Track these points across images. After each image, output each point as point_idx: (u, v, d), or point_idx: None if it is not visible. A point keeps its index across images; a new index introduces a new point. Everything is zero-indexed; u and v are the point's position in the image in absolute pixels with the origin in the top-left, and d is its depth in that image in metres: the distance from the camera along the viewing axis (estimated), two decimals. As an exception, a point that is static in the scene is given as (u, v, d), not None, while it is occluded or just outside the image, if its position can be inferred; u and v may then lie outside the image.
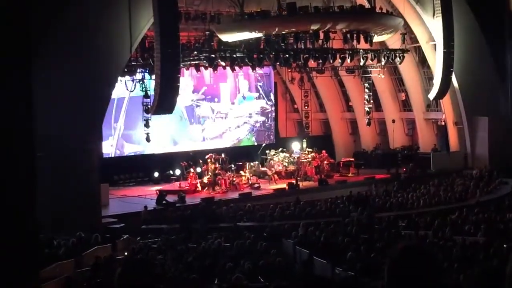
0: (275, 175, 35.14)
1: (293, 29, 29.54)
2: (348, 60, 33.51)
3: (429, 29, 35.60)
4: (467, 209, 24.38)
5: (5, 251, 10.03)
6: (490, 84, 36.70)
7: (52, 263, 16.66)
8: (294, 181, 33.68)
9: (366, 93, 39.33)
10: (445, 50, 33.65)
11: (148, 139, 31.60)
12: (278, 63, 34.10)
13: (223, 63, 32.31)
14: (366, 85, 39.16)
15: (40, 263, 14.86)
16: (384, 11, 32.69)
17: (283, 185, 33.51)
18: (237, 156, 37.15)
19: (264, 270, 16.31)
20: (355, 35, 30.58)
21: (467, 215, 23.12)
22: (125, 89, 31.89)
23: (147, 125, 30.61)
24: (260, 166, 36.77)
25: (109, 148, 34.95)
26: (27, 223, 11.26)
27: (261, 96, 41.30)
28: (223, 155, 34.58)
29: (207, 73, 36.79)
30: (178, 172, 34.95)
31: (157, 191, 31.04)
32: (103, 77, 26.28)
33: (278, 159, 36.35)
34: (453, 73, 34.60)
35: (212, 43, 31.13)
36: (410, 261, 4.12)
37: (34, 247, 11.24)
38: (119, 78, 29.37)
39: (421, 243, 17.81)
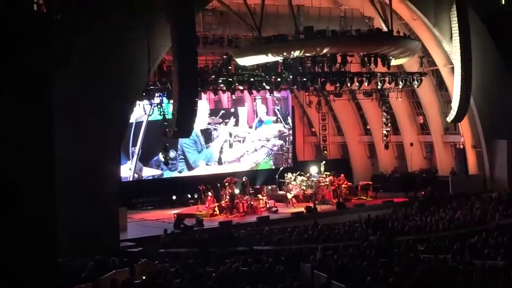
0: (293, 199, 35.13)
1: (311, 53, 29.60)
2: (366, 84, 33.53)
3: (447, 52, 35.58)
4: (486, 232, 24.17)
5: (25, 275, 10.07)
6: (508, 106, 36.50)
7: (71, 287, 16.64)
8: (312, 205, 33.63)
9: (384, 116, 39.34)
10: (463, 73, 33.60)
11: (166, 163, 31.69)
12: (295, 86, 34.16)
13: (240, 87, 32.42)
14: (384, 108, 39.16)
15: (59, 286, 14.87)
16: (402, 34, 32.72)
17: (301, 208, 33.46)
18: (255, 179, 37.20)
19: (282, 294, 16.21)
20: (372, 58, 30.58)
21: (486, 239, 22.92)
22: (143, 112, 32.03)
23: (165, 148, 30.70)
24: (278, 189, 36.80)
25: (127, 171, 35.04)
26: (46, 247, 11.32)
27: (278, 119, 41.35)
28: (244, 179, 34.61)
29: (225, 97, 36.90)
30: (196, 195, 35.01)
31: (175, 215, 31.08)
32: (121, 101, 26.40)
33: (296, 183, 36.34)
34: (471, 96, 34.51)
35: (230, 67, 31.25)
36: (429, 285, 4.10)
37: (53, 271, 11.28)
38: (137, 102, 29.50)
39: (441, 267, 17.68)
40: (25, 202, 10.78)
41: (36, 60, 10.59)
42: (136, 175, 35.82)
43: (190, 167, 37.79)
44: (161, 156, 32.20)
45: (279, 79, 31.94)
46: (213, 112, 38.37)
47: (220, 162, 38.85)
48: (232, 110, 39.22)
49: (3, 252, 10.75)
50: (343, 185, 37.00)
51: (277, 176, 38.03)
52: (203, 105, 36.91)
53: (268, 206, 33.84)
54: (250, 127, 40.14)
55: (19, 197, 10.91)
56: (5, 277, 10.69)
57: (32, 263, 10.50)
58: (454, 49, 34.16)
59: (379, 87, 35.20)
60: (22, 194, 10.79)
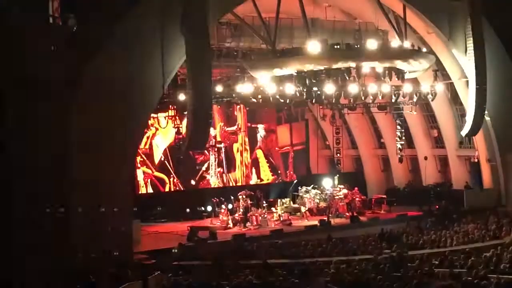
0: (307, 212, 35.07)
1: (325, 66, 29.59)
2: (380, 97, 33.47)
3: (461, 65, 35.48)
4: (501, 247, 24.04)
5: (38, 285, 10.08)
6: (524, 120, 36.39)
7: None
8: (325, 218, 33.54)
9: (398, 129, 39.26)
10: (477, 86, 33.41)
11: (179, 176, 31.76)
12: (309, 99, 34.14)
13: (254, 100, 32.45)
14: (398, 121, 39.09)
15: None
16: (416, 48, 32.67)
17: (314, 222, 33.39)
18: (269, 192, 37.21)
19: (295, 307, 16.17)
20: (387, 71, 30.53)
21: (501, 253, 22.79)
22: (157, 125, 32.14)
23: (179, 161, 30.76)
24: (291, 202, 36.73)
25: (141, 184, 35.13)
26: (60, 259, 11.34)
27: (292, 132, 41.42)
28: (257, 192, 34.60)
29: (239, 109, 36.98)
30: (209, 208, 35.03)
31: (189, 228, 31.07)
32: (136, 114, 26.46)
33: (309, 196, 36.25)
34: (486, 110, 34.37)
35: (244, 80, 31.29)
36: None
37: (67, 283, 11.31)
38: (152, 114, 29.56)
39: (455, 282, 17.59)
40: (40, 213, 10.83)
41: (50, 71, 10.65)
42: (150, 188, 35.90)
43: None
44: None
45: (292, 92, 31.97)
46: (227, 126, 38.46)
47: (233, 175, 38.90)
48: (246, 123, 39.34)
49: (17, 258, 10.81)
50: (357, 199, 36.92)
51: (290, 189, 38.01)
52: (219, 118, 37.10)
53: (281, 219, 33.79)
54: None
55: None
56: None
57: (45, 275, 10.52)
58: (468, 63, 34.04)
59: (393, 100, 35.12)
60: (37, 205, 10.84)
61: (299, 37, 32.09)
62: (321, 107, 40.28)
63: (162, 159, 35.81)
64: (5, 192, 17.82)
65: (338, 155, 43.83)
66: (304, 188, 36.92)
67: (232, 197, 34.03)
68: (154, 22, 26.06)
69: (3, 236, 17.59)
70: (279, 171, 41.55)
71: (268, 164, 41.00)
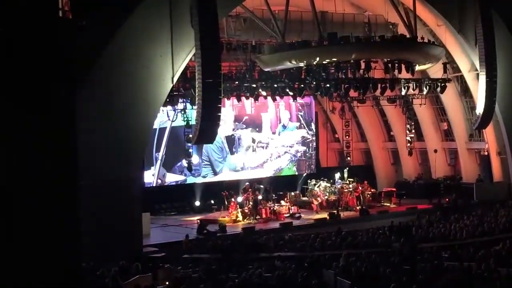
0: (316, 205, 35.04)
1: (334, 59, 29.54)
2: (389, 90, 33.39)
3: (471, 58, 35.37)
4: (511, 240, 23.97)
5: (48, 280, 10.09)
6: (534, 113, 36.25)
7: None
8: (335, 211, 33.52)
9: (408, 122, 39.17)
10: (487, 79, 33.32)
11: (189, 169, 31.76)
12: (319, 92, 34.10)
13: (264, 93, 32.43)
14: (408, 114, 39.01)
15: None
16: (426, 40, 32.58)
17: (324, 215, 33.40)
18: (278, 185, 37.16)
19: (305, 300, 16.16)
20: (396, 64, 30.46)
21: (511, 246, 22.73)
22: (166, 118, 32.13)
23: (188, 154, 30.76)
24: (301, 195, 36.72)
25: (150, 177, 35.15)
26: (70, 251, 11.37)
27: (302, 125, 41.27)
28: (267, 186, 34.53)
29: (248, 103, 36.92)
30: (216, 201, 35.10)
31: (198, 221, 31.12)
32: (145, 107, 26.48)
33: (319, 189, 36.23)
34: (496, 102, 34.26)
35: (253, 73, 31.26)
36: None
37: (77, 276, 11.33)
38: (161, 108, 29.57)
39: (465, 275, 17.56)
40: (49, 207, 10.83)
41: (61, 66, 10.64)
42: (159, 181, 35.90)
43: (215, 173, 37.83)
44: (184, 162, 32.32)
45: (302, 85, 31.92)
46: (237, 118, 38.37)
47: (243, 168, 38.84)
48: (256, 116, 39.21)
49: (27, 255, 10.84)
50: (367, 192, 36.88)
51: (300, 182, 38.00)
52: (228, 111, 36.98)
53: (291, 212, 33.79)
54: (274, 133, 40.10)
55: (43, 201, 10.98)
56: (28, 281, 10.77)
57: (55, 268, 10.52)
58: (479, 55, 33.92)
59: (403, 93, 35.03)
60: (45, 199, 10.85)
61: (308, 30, 32.06)
62: (330, 100, 40.23)
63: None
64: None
65: (348, 148, 43.78)
66: (313, 181, 36.90)
67: (241, 191, 34.06)
68: (163, 15, 26.04)
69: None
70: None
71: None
